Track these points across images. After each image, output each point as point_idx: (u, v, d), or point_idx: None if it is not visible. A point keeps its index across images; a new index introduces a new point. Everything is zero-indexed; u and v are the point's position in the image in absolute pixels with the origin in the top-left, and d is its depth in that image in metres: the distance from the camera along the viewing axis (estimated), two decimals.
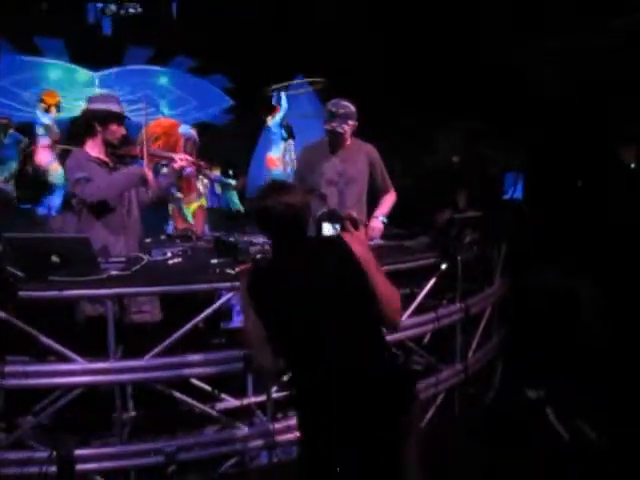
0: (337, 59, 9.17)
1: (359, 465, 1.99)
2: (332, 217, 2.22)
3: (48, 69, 10.06)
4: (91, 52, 9.86)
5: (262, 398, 3.10)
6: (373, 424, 1.97)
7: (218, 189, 8.40)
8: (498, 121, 8.07)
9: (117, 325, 2.91)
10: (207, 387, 3.07)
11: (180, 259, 3.37)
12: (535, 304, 4.64)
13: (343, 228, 2.20)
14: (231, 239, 3.44)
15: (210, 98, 10.95)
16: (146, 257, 3.25)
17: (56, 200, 7.54)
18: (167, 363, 2.90)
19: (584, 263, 5.06)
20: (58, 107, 8.04)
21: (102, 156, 3.38)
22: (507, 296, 4.34)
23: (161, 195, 3.72)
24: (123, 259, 3.19)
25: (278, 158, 9.13)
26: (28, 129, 8.94)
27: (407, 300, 3.37)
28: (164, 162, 3.70)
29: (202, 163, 4.00)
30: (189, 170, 3.99)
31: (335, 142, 3.66)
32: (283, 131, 8.97)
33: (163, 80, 10.70)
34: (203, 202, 5.13)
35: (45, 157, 7.76)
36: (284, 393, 3.15)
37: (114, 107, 3.38)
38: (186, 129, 5.04)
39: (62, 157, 7.32)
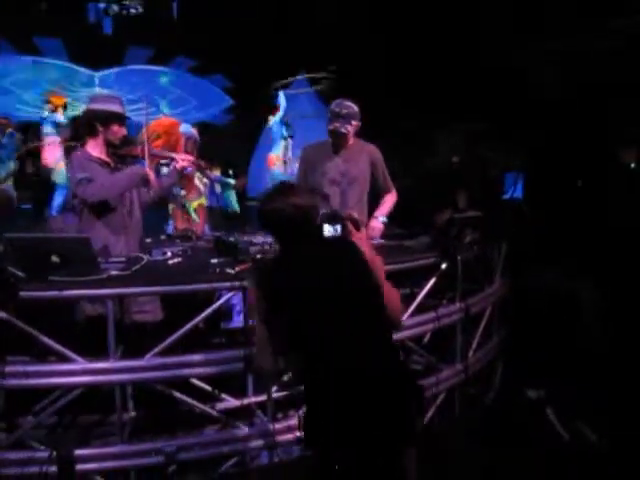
0: (338, 60, 9.19)
1: (361, 465, 1.99)
2: (333, 218, 2.23)
3: (48, 69, 10.07)
4: (91, 52, 9.87)
5: (262, 398, 3.09)
6: (378, 423, 1.97)
7: (218, 188, 8.39)
8: (498, 123, 8.07)
9: (117, 325, 2.91)
10: (207, 387, 3.06)
11: (180, 259, 3.37)
12: (535, 305, 4.64)
13: (344, 229, 2.21)
14: (231, 239, 3.43)
15: (210, 98, 10.96)
16: (146, 257, 3.25)
17: (57, 199, 7.54)
18: (167, 363, 2.90)
19: (584, 264, 5.06)
20: (65, 108, 8.05)
21: (103, 156, 3.38)
22: (507, 296, 4.34)
23: (162, 195, 3.73)
24: (123, 259, 3.19)
25: (278, 157, 9.14)
26: (28, 129, 8.96)
27: (407, 300, 3.37)
28: (164, 162, 3.70)
29: (202, 163, 4.00)
30: (189, 169, 3.99)
31: (338, 142, 3.67)
32: (284, 129, 8.97)
33: (163, 80, 10.71)
34: (203, 201, 5.12)
35: (52, 156, 7.77)
36: (284, 393, 3.15)
37: (115, 107, 3.38)
38: (187, 128, 5.04)
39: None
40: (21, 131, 8.75)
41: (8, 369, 2.73)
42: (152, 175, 3.39)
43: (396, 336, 3.16)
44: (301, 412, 3.02)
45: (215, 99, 10.99)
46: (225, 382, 3.12)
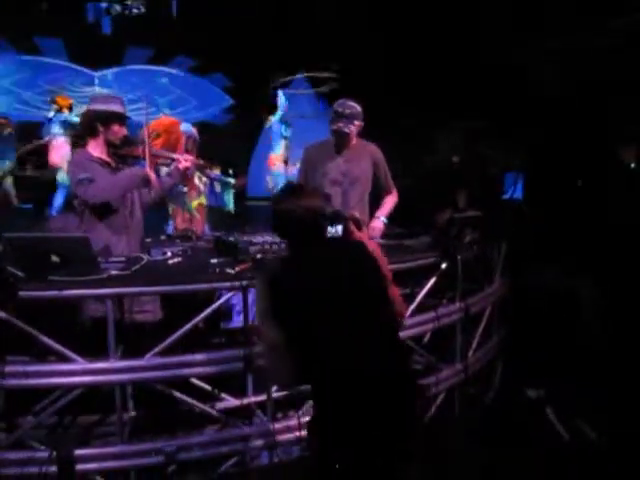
0: (337, 59, 9.18)
1: (360, 465, 1.99)
2: (335, 218, 2.23)
3: (48, 69, 10.07)
4: (91, 52, 9.87)
5: (262, 398, 3.09)
6: (380, 423, 1.98)
7: (218, 187, 8.38)
8: (498, 121, 8.07)
9: (118, 325, 2.91)
10: (207, 387, 3.06)
11: (180, 259, 3.37)
12: (535, 304, 4.64)
13: (346, 229, 2.21)
14: (231, 239, 3.43)
15: (210, 98, 10.97)
16: (146, 257, 3.24)
17: (59, 199, 7.54)
18: (167, 363, 2.90)
19: (584, 263, 5.06)
20: (70, 109, 8.06)
21: (104, 156, 3.38)
22: (507, 296, 4.34)
23: (163, 195, 3.73)
24: (123, 259, 3.19)
25: (277, 157, 9.12)
26: (28, 128, 8.96)
27: (407, 299, 3.36)
28: (164, 162, 3.69)
29: (202, 162, 4.00)
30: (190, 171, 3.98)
31: (341, 142, 3.67)
32: (283, 128, 8.96)
33: (163, 80, 10.71)
34: (203, 200, 5.12)
35: (60, 155, 7.76)
36: (284, 393, 3.14)
37: (116, 107, 3.38)
38: (187, 127, 5.03)
39: None
40: (20, 131, 8.76)
41: (8, 369, 2.73)
42: (153, 176, 3.39)
43: None
44: (301, 412, 3.05)
45: (215, 99, 11.00)
46: (225, 382, 3.12)
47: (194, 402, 3.01)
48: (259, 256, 3.13)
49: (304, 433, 2.86)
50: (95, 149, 3.37)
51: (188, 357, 2.93)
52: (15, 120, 9.05)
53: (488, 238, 4.08)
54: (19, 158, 8.64)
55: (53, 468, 2.66)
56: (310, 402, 3.13)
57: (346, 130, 3.59)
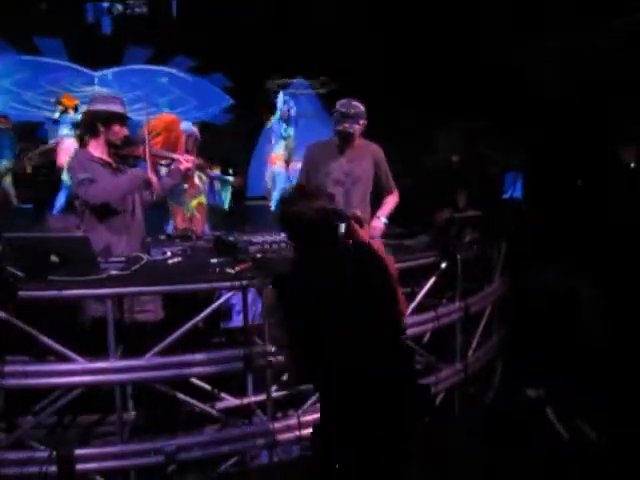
0: (337, 59, 9.18)
1: (362, 465, 2.00)
2: (338, 217, 2.23)
3: (48, 69, 10.07)
4: (91, 52, 9.87)
5: (262, 397, 3.10)
6: (382, 424, 1.98)
7: (218, 186, 8.37)
8: (498, 121, 8.07)
9: (119, 325, 2.91)
10: (207, 386, 3.07)
11: (180, 258, 3.37)
12: (535, 304, 4.64)
13: (348, 228, 2.22)
14: (230, 238, 3.43)
15: (210, 98, 10.96)
16: (146, 257, 3.24)
17: (61, 199, 7.53)
18: (167, 362, 2.90)
19: (584, 263, 5.05)
20: (76, 109, 8.06)
21: (105, 156, 3.38)
22: (507, 295, 4.34)
23: (164, 196, 3.74)
24: (123, 259, 3.19)
25: (278, 156, 9.12)
26: (28, 128, 8.95)
27: (407, 299, 3.36)
28: (163, 162, 3.69)
29: (202, 162, 3.99)
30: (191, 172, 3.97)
31: (345, 142, 3.67)
32: (283, 128, 8.96)
33: (163, 80, 10.71)
34: (202, 200, 5.11)
35: (67, 156, 7.76)
36: (284, 392, 3.15)
37: (117, 108, 3.38)
38: (188, 126, 5.03)
39: None
40: (20, 131, 8.76)
41: (8, 369, 2.74)
42: (154, 178, 3.39)
43: None
44: (300, 411, 3.05)
45: (215, 98, 10.99)
46: (225, 381, 3.13)
47: (194, 402, 3.01)
48: (259, 256, 3.14)
49: (305, 432, 2.88)
50: (96, 149, 3.37)
51: (188, 357, 2.94)
52: (15, 120, 9.05)
53: (488, 238, 4.08)
54: (29, 159, 8.63)
55: (53, 468, 2.67)
56: (310, 401, 3.14)
57: (351, 130, 3.59)
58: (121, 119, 3.39)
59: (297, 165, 8.15)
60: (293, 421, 3.05)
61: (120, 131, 3.38)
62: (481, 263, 4.07)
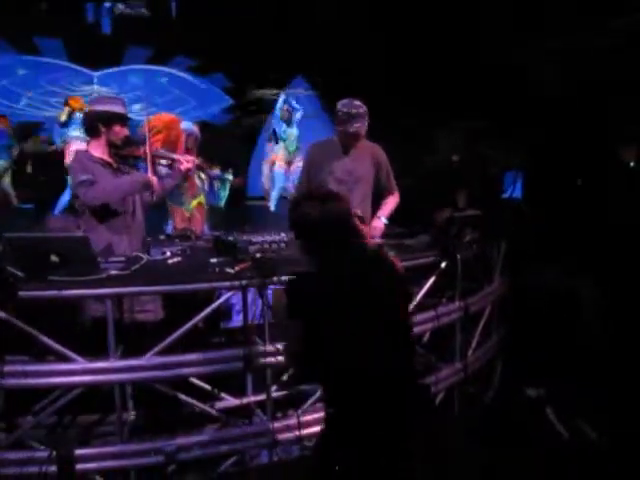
0: (338, 59, 9.17)
1: (363, 465, 2.00)
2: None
3: (48, 69, 10.07)
4: (90, 52, 9.87)
5: (262, 397, 3.10)
6: (382, 424, 1.99)
7: (217, 185, 8.36)
8: (498, 121, 8.07)
9: (119, 325, 2.91)
10: (207, 386, 3.07)
11: (179, 258, 3.37)
12: (535, 303, 4.64)
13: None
14: (230, 238, 3.43)
15: (210, 98, 10.97)
16: (145, 256, 3.25)
17: (64, 199, 7.52)
18: (167, 362, 2.90)
19: (584, 263, 5.05)
20: (82, 110, 8.05)
21: (106, 157, 3.39)
22: (507, 295, 4.34)
23: (165, 196, 3.74)
24: (122, 259, 3.19)
25: (277, 157, 9.13)
26: (27, 128, 8.95)
27: None
28: (164, 162, 3.69)
29: (202, 163, 3.99)
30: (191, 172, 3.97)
31: (351, 142, 3.68)
32: (283, 128, 8.96)
33: (162, 80, 10.71)
34: (202, 200, 5.10)
35: None
36: (284, 392, 3.15)
37: (117, 108, 3.39)
38: (188, 125, 5.02)
39: None
40: (20, 131, 8.76)
41: (7, 369, 2.74)
42: (155, 180, 3.39)
43: None
44: (300, 411, 3.05)
45: (214, 99, 10.99)
46: (224, 381, 3.13)
47: (194, 401, 3.01)
48: (258, 255, 3.14)
49: (305, 432, 2.89)
50: (97, 150, 3.38)
51: (188, 357, 2.93)
52: (15, 120, 9.06)
53: (488, 237, 4.08)
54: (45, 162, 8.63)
55: (53, 468, 2.67)
56: (310, 401, 3.14)
57: (362, 130, 3.60)
58: (122, 119, 3.40)
59: (298, 165, 8.18)
60: (293, 421, 3.05)
61: (121, 131, 3.39)
62: (481, 263, 4.07)
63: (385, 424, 2.00)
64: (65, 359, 2.80)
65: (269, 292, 3.16)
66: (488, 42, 8.14)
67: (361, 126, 3.58)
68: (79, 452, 2.74)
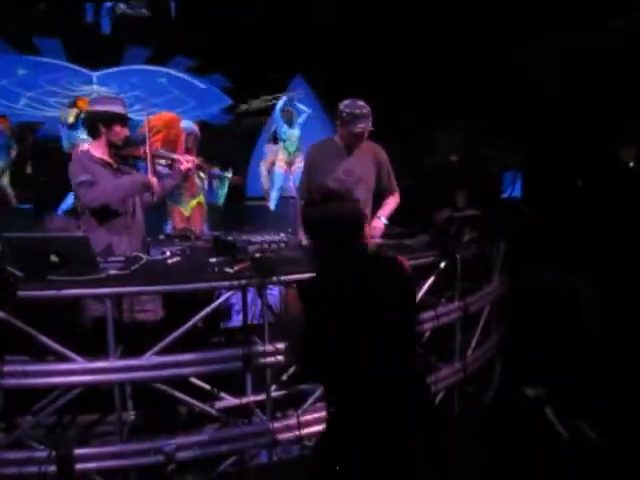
0: (337, 59, 9.17)
1: (363, 465, 2.00)
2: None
3: (47, 69, 10.07)
4: (90, 52, 9.88)
5: (261, 397, 3.10)
6: (382, 424, 1.99)
7: (216, 183, 8.36)
8: (498, 121, 8.06)
9: (119, 324, 2.91)
10: (206, 386, 3.07)
11: (179, 258, 3.37)
12: (535, 303, 4.64)
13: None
14: (229, 238, 3.43)
15: (209, 98, 10.98)
16: (145, 256, 3.25)
17: (69, 200, 7.50)
18: (166, 362, 2.90)
19: (584, 263, 5.05)
20: None
21: (106, 157, 3.40)
22: (506, 295, 4.34)
23: (165, 196, 3.75)
24: (122, 258, 3.19)
25: (277, 157, 9.12)
26: (26, 128, 8.94)
27: None
28: (164, 162, 3.69)
29: (202, 163, 3.99)
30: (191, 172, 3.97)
31: (354, 142, 3.67)
32: (283, 129, 8.95)
33: (162, 80, 10.72)
34: (201, 199, 5.10)
35: None
36: (283, 392, 3.15)
37: (117, 108, 3.40)
38: (188, 124, 5.01)
39: None
40: (20, 131, 8.75)
41: (7, 369, 2.74)
42: (155, 181, 3.39)
43: None
44: (300, 411, 3.05)
45: (214, 99, 11.01)
46: (224, 381, 3.13)
47: (193, 401, 3.01)
48: (258, 255, 3.14)
49: (305, 432, 2.88)
50: (97, 150, 3.39)
51: (187, 356, 2.93)
52: (15, 120, 9.05)
53: (487, 237, 4.08)
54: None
55: (52, 468, 2.67)
56: (309, 401, 3.14)
57: (366, 131, 3.60)
58: (122, 120, 3.41)
59: (299, 166, 8.18)
60: (292, 421, 3.06)
61: (121, 132, 3.40)
62: (480, 263, 4.07)
63: (385, 424, 2.00)
64: (64, 359, 2.80)
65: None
66: (488, 42, 8.13)
67: (365, 126, 3.59)
68: (78, 452, 2.75)
